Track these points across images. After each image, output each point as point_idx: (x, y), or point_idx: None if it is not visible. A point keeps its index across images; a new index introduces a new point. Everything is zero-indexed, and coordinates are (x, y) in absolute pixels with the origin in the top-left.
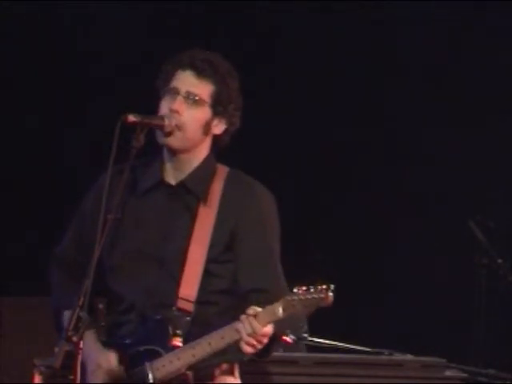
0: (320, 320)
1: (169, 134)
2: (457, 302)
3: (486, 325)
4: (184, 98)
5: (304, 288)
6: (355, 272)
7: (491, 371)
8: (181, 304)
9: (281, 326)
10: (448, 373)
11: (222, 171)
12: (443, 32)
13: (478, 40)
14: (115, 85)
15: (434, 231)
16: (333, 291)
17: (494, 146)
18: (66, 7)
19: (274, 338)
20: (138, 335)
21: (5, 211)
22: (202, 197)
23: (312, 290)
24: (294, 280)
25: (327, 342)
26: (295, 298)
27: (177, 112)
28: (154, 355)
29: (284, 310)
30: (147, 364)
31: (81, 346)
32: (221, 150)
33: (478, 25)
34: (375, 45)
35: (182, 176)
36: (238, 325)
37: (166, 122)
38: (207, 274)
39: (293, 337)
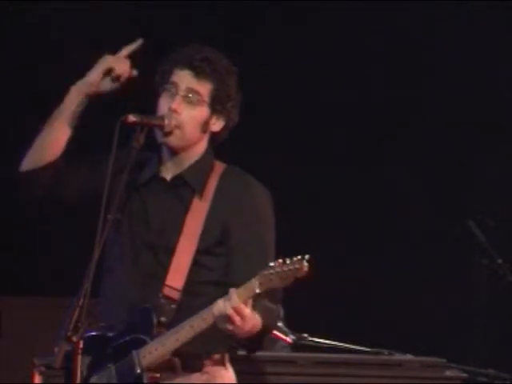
0: (320, 320)
1: (168, 133)
2: (457, 302)
3: (486, 325)
4: (183, 97)
5: (280, 261)
6: (355, 272)
7: (491, 371)
8: (167, 292)
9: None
10: (448, 373)
11: (219, 167)
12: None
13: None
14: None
15: (433, 231)
16: (308, 261)
17: (494, 145)
18: (66, 6)
19: (264, 331)
20: (125, 325)
21: (5, 211)
22: (198, 190)
23: (288, 262)
24: None
25: (327, 342)
26: (272, 271)
27: (176, 112)
28: (140, 344)
29: (261, 284)
30: (134, 353)
31: (81, 345)
32: (218, 145)
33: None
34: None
35: (180, 170)
36: (217, 303)
37: (166, 121)
38: (197, 264)
39: (293, 337)
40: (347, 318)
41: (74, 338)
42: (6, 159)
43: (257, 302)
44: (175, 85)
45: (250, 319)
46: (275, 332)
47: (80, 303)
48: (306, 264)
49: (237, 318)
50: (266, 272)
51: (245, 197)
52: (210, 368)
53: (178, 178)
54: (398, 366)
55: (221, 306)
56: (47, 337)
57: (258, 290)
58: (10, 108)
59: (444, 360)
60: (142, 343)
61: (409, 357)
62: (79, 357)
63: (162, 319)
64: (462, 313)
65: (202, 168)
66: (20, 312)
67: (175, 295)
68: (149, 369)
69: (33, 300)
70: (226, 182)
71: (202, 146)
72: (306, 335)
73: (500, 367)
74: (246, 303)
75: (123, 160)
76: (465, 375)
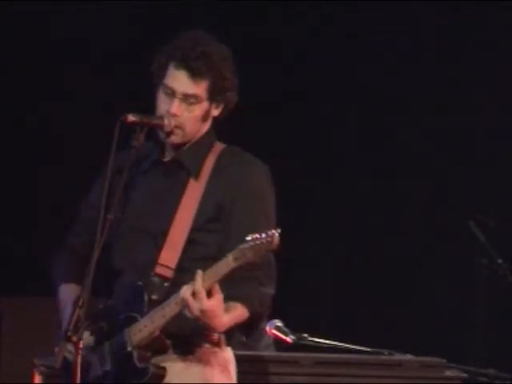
0: (320, 320)
1: (170, 133)
2: (457, 302)
3: (486, 325)
4: (180, 99)
5: (256, 236)
6: (355, 272)
7: (491, 371)
8: (159, 270)
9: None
10: (448, 373)
11: (218, 147)
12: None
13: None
14: (115, 84)
15: (433, 231)
16: (279, 234)
17: (495, 145)
18: (66, 5)
19: (251, 320)
20: (118, 303)
21: (5, 211)
22: (194, 171)
23: (262, 236)
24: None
25: (327, 342)
26: (246, 245)
27: (175, 115)
28: (132, 321)
29: (236, 259)
30: (125, 330)
31: (81, 345)
32: (219, 123)
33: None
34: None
35: (178, 152)
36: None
37: (166, 121)
38: (192, 242)
39: (293, 337)
40: (347, 318)
41: (74, 338)
42: (5, 159)
43: (241, 285)
44: (172, 86)
45: (213, 312)
46: (275, 332)
47: (80, 303)
48: (276, 236)
49: (195, 306)
50: (241, 246)
51: (242, 175)
52: (205, 349)
53: (175, 161)
54: (398, 366)
55: (183, 289)
56: (47, 337)
57: (233, 265)
58: (10, 108)
59: (444, 360)
60: (134, 320)
61: (409, 357)
62: (79, 357)
63: (154, 297)
64: (462, 313)
65: (199, 149)
66: (20, 312)
67: (168, 273)
68: (139, 346)
69: (33, 300)
70: (223, 161)
71: (203, 130)
72: (306, 335)
73: (500, 367)
74: (211, 290)
75: (122, 162)
76: (465, 375)
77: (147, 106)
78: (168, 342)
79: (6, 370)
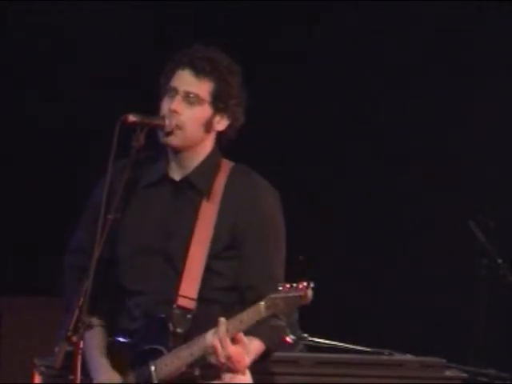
0: (320, 320)
1: (169, 133)
2: (457, 302)
3: (486, 325)
4: (183, 97)
5: (288, 286)
6: (355, 272)
7: (491, 371)
8: (181, 302)
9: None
10: (448, 373)
11: (226, 166)
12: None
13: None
14: (115, 84)
15: (434, 231)
16: (313, 288)
17: (495, 145)
18: (68, 5)
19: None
20: (143, 333)
21: (5, 211)
22: (206, 192)
23: (294, 287)
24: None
25: (327, 341)
26: (278, 296)
27: (176, 112)
28: (156, 354)
29: (267, 308)
30: (151, 363)
31: (81, 345)
32: (226, 145)
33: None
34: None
35: (186, 172)
36: (207, 334)
37: (167, 121)
38: (209, 270)
39: (293, 337)
40: (347, 318)
41: (74, 338)
42: (5, 159)
43: (263, 322)
44: (176, 85)
45: (238, 357)
46: None
47: (80, 303)
48: (310, 292)
49: (222, 353)
50: (273, 296)
51: (251, 198)
52: (228, 376)
53: (185, 181)
54: (398, 366)
55: (209, 336)
56: (47, 337)
57: (264, 314)
58: (10, 108)
59: (444, 360)
60: (159, 353)
61: (409, 357)
62: (79, 357)
63: (178, 330)
64: (462, 313)
65: (208, 169)
66: (20, 312)
67: (190, 305)
68: (166, 380)
69: (33, 300)
70: (233, 182)
71: (207, 146)
72: (306, 335)
73: (500, 367)
74: (236, 337)
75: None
76: (465, 375)
77: (147, 106)
78: (197, 370)
79: (5, 370)
